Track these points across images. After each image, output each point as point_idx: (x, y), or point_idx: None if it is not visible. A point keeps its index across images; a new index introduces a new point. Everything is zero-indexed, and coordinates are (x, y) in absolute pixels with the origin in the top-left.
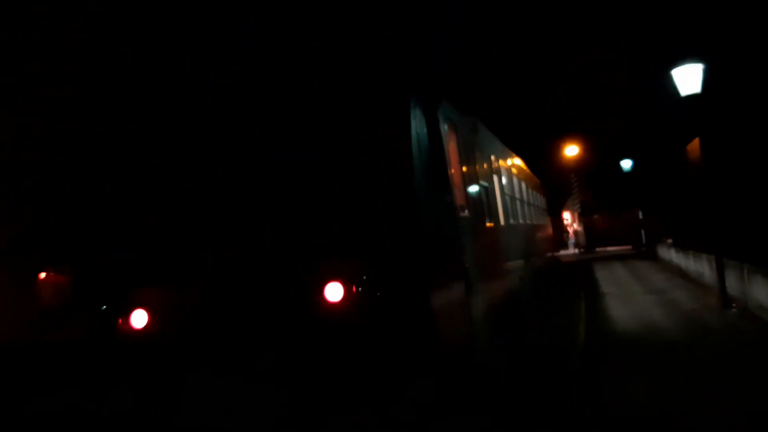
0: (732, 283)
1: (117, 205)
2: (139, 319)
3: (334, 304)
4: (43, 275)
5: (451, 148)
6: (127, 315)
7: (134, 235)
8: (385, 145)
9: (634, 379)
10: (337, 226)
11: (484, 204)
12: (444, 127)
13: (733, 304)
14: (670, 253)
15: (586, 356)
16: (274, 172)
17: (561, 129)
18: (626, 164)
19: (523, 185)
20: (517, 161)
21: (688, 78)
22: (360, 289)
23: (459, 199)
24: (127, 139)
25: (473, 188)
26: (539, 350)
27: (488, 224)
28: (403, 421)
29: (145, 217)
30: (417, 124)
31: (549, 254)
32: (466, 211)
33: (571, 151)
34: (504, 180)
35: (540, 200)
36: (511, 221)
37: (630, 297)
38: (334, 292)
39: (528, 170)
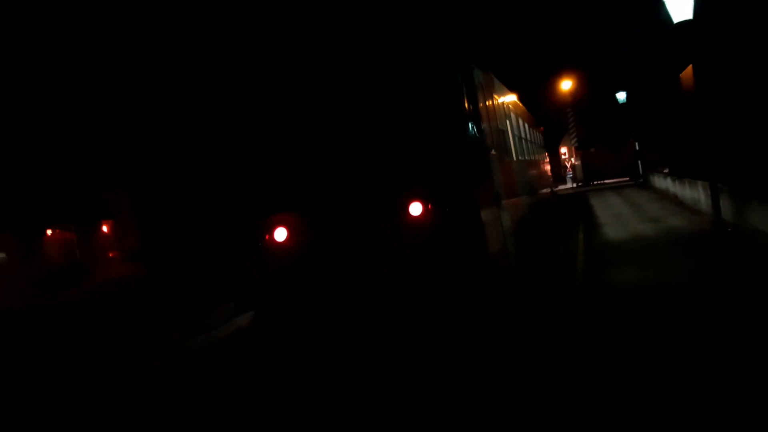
0: (727, 209)
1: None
2: (280, 234)
3: (416, 217)
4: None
5: (480, 100)
6: (272, 231)
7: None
8: (442, 103)
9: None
10: (415, 164)
11: (502, 144)
12: (474, 84)
13: (729, 229)
14: (666, 183)
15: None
16: (372, 132)
17: (556, 64)
18: (621, 96)
19: (525, 125)
20: (520, 104)
21: (680, 4)
22: (434, 206)
23: (488, 141)
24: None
25: (495, 132)
26: (551, 256)
27: (507, 160)
28: None
29: (276, 165)
30: (460, 85)
31: (549, 189)
32: (493, 150)
33: (566, 85)
34: (513, 123)
35: (538, 137)
36: (521, 157)
37: (626, 225)
38: (416, 209)
39: (526, 111)
